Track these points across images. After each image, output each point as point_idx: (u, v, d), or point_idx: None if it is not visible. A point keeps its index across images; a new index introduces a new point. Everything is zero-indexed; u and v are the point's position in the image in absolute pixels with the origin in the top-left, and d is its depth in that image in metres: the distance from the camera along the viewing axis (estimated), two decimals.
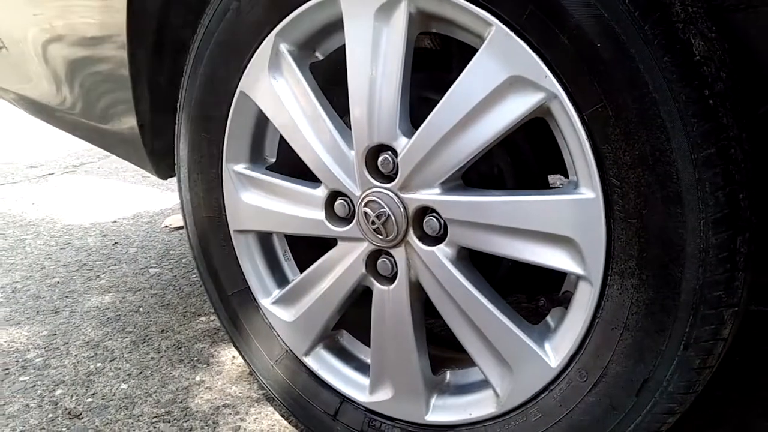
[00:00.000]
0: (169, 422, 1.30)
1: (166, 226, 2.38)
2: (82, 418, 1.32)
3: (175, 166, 1.22)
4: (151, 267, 2.05)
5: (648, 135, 0.74)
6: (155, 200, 2.70)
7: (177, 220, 2.40)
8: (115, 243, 2.26)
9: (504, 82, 0.82)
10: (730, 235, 0.74)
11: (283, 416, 1.28)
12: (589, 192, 0.80)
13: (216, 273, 1.21)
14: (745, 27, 0.90)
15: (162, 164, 1.39)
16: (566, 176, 0.87)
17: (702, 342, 0.77)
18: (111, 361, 1.53)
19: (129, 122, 1.35)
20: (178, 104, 1.17)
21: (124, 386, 1.43)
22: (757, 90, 0.94)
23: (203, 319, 1.71)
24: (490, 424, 0.96)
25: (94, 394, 1.40)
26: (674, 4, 0.73)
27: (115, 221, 2.48)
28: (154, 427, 1.28)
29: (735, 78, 0.77)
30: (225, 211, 1.16)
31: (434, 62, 1.21)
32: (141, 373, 1.48)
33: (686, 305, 0.76)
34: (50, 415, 1.33)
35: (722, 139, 0.73)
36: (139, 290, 1.89)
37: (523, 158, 0.96)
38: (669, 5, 0.73)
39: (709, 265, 0.74)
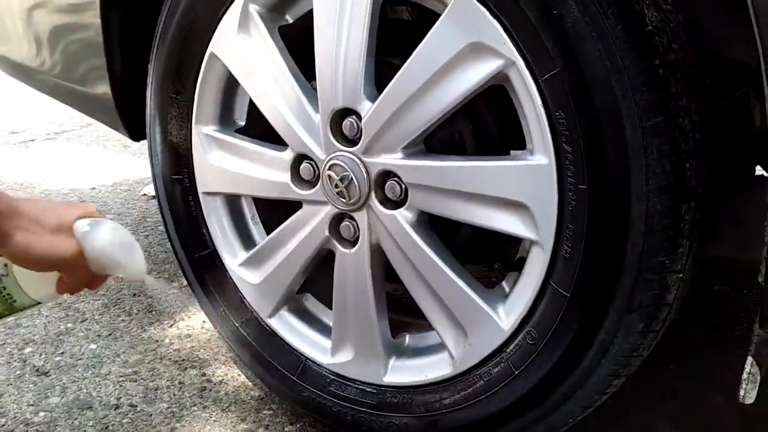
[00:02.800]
0: (135, 381, 1.31)
1: (144, 194, 2.39)
2: (50, 375, 1.34)
3: (146, 128, 1.22)
4: None
5: (599, 102, 0.75)
6: (135, 169, 2.70)
7: None
8: None
9: (465, 48, 0.83)
10: (675, 202, 0.76)
11: (248, 378, 1.30)
12: (542, 158, 0.81)
13: (184, 235, 1.22)
14: (706, 3, 0.92)
15: (134, 126, 1.40)
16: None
17: (646, 306, 0.80)
18: (81, 322, 1.55)
19: (103, 85, 1.36)
20: (149, 66, 1.17)
21: (93, 346, 1.44)
22: (715, 67, 0.96)
23: (176, 284, 1.72)
24: (445, 385, 0.98)
25: (62, 353, 1.42)
26: None
27: (93, 188, 2.48)
28: (121, 386, 1.30)
29: (688, 50, 0.79)
30: (194, 173, 1.17)
31: (412, 34, 1.22)
32: (110, 334, 1.49)
33: (630, 270, 0.78)
34: (18, 372, 1.35)
35: (671, 108, 0.75)
36: None
37: (484, 126, 0.97)
38: None
39: (653, 232, 0.76)
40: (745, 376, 0.79)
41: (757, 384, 0.80)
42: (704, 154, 0.79)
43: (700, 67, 0.80)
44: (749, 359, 0.78)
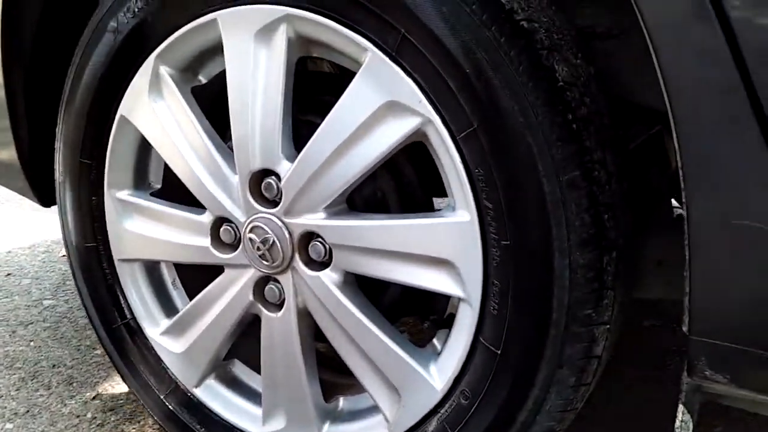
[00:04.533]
0: None
1: (64, 256, 2.28)
2: None
3: (56, 195, 1.16)
4: (45, 299, 1.95)
5: (516, 158, 0.75)
6: (53, 229, 2.58)
7: None
8: (8, 274, 2.14)
9: (381, 106, 0.82)
10: (597, 254, 0.76)
11: None
12: (464, 215, 0.80)
13: (101, 304, 1.16)
14: (615, 53, 0.94)
15: (44, 192, 1.33)
16: None
17: (575, 360, 0.79)
18: None
19: (8, 150, 1.29)
20: (57, 129, 1.12)
21: (9, 426, 1.35)
22: (626, 112, 0.98)
23: (98, 352, 1.63)
24: None
25: None
26: (538, 32, 0.75)
27: (9, 251, 2.35)
28: None
29: (599, 102, 0.80)
30: (108, 240, 1.11)
31: (334, 87, 1.20)
32: (28, 411, 1.40)
33: (557, 324, 0.77)
34: None
35: (586, 161, 0.75)
36: (31, 323, 1.79)
37: (407, 182, 0.96)
38: (533, 32, 0.75)
39: (577, 285, 0.76)
40: (677, 424, 0.79)
41: (691, 430, 0.80)
42: (622, 203, 0.80)
43: (612, 117, 0.81)
44: (680, 407, 0.78)
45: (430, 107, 0.79)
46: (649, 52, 0.68)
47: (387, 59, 0.80)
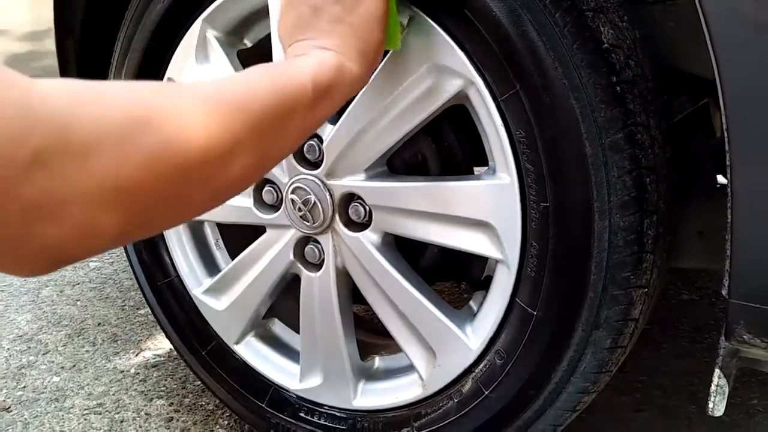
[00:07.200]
0: (100, 414, 1.28)
1: None
2: (11, 410, 1.30)
3: None
4: (91, 261, 2.01)
5: (559, 120, 0.75)
6: None
7: None
8: None
9: (424, 69, 0.83)
10: (637, 217, 0.76)
11: (216, 406, 1.27)
12: (504, 177, 0.81)
13: (146, 262, 1.20)
14: (662, 18, 0.93)
15: None
16: None
17: (612, 322, 0.80)
18: (44, 354, 1.50)
19: None
20: None
21: (56, 379, 1.40)
22: (672, 80, 0.97)
23: (142, 312, 1.68)
24: (415, 407, 0.97)
25: (24, 387, 1.37)
26: None
27: None
28: (85, 419, 1.26)
29: (644, 66, 0.79)
30: None
31: None
32: (74, 366, 1.45)
33: (596, 286, 0.78)
34: None
35: (629, 124, 0.75)
36: (78, 284, 1.86)
37: (447, 145, 0.97)
38: None
39: (617, 247, 0.76)
40: (713, 388, 0.79)
41: (726, 396, 0.80)
42: (665, 168, 0.79)
43: (657, 82, 0.81)
44: (716, 371, 0.78)
45: (472, 69, 0.79)
46: (698, 18, 0.67)
47: (431, 21, 0.81)
